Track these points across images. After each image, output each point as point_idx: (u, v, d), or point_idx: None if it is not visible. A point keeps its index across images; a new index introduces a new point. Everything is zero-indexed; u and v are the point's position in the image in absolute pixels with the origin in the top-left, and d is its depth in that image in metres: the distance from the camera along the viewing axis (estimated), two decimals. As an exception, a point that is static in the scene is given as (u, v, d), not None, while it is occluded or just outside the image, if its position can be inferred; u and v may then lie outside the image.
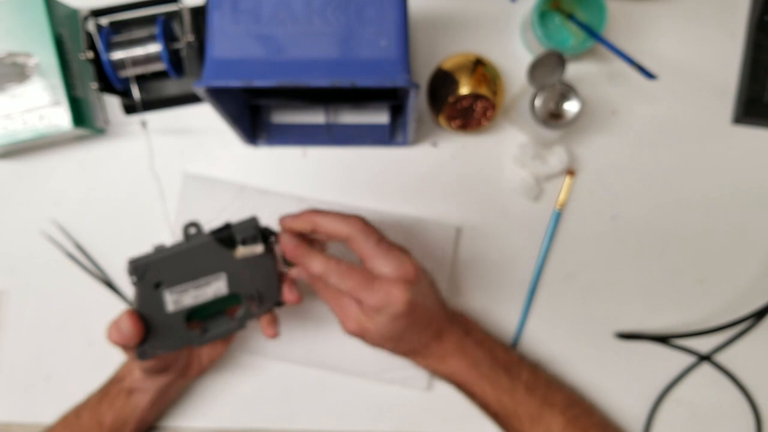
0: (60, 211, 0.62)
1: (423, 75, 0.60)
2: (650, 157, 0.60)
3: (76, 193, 0.62)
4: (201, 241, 0.48)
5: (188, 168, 0.62)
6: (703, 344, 0.60)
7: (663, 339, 0.60)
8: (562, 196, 0.60)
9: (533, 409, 0.51)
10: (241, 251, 0.48)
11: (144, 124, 0.60)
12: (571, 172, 0.60)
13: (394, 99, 0.58)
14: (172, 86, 0.61)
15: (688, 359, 0.60)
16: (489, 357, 0.52)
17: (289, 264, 0.50)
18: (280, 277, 0.51)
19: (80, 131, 0.58)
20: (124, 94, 0.60)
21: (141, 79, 0.60)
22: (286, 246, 0.48)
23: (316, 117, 0.62)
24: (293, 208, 0.50)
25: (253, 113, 0.61)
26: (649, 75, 0.53)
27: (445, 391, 0.57)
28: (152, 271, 0.47)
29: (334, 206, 0.59)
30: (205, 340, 0.50)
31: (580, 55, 0.60)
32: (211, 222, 0.50)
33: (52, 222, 0.62)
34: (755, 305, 0.59)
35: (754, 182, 0.60)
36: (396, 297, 0.46)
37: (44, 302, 0.62)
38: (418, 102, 0.52)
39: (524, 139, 0.61)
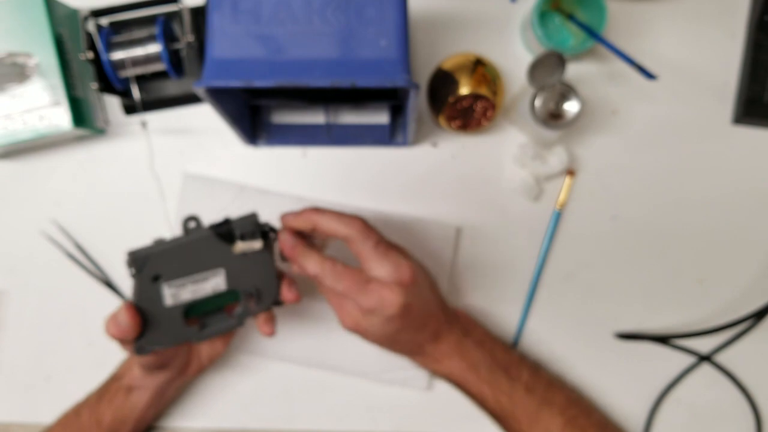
0: (60, 211, 0.62)
1: (423, 75, 0.60)
2: (650, 157, 0.60)
3: (76, 193, 0.62)
4: (200, 235, 0.48)
5: (188, 168, 0.62)
6: (703, 344, 0.60)
7: (663, 339, 0.60)
8: (562, 196, 0.60)
9: (532, 410, 0.51)
10: (240, 246, 0.48)
11: (144, 124, 0.60)
12: (571, 172, 0.60)
13: (394, 99, 0.58)
14: (172, 86, 0.61)
15: (688, 359, 0.60)
16: (488, 358, 0.52)
17: (286, 260, 0.50)
18: (279, 276, 0.51)
19: (80, 131, 0.58)
20: (124, 94, 0.60)
21: (141, 79, 0.60)
22: (284, 244, 0.49)
23: (316, 117, 0.62)
24: (293, 208, 0.50)
25: (253, 113, 0.61)
26: (649, 75, 0.53)
27: (445, 392, 0.57)
28: (151, 264, 0.47)
29: (334, 206, 0.59)
30: (203, 337, 0.50)
31: (580, 55, 0.60)
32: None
33: (52, 222, 0.62)
34: (755, 305, 0.59)
35: (754, 182, 0.60)
36: (389, 300, 0.46)
37: (44, 302, 0.62)
38: (418, 102, 0.52)
39: (524, 139, 0.61)
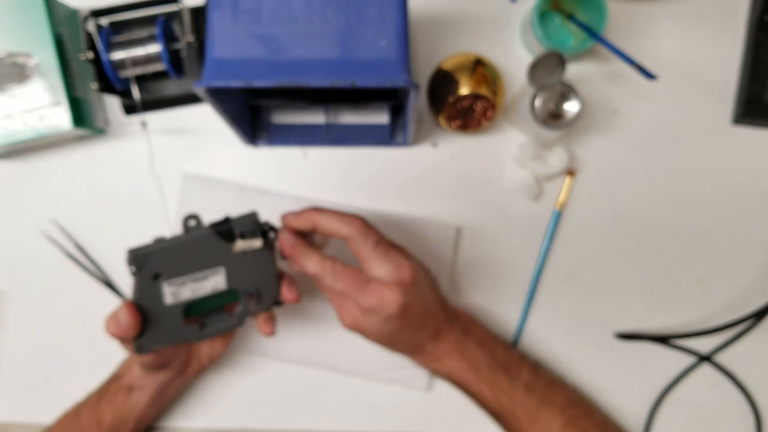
0: (60, 211, 0.62)
1: (423, 75, 0.60)
2: (650, 157, 0.60)
3: (76, 193, 0.62)
4: (200, 234, 0.48)
5: (188, 168, 0.62)
6: (703, 344, 0.60)
7: (663, 339, 0.60)
8: (562, 196, 0.60)
9: (531, 409, 0.51)
10: (240, 245, 0.48)
11: (144, 124, 0.60)
12: (571, 172, 0.60)
13: (394, 99, 0.58)
14: (172, 86, 0.61)
15: (688, 359, 0.60)
16: (488, 357, 0.52)
17: (286, 259, 0.51)
18: (280, 276, 0.51)
19: (80, 131, 0.58)
20: (124, 94, 0.60)
21: (141, 80, 0.60)
22: (284, 244, 0.49)
23: (316, 117, 0.62)
24: (293, 208, 0.50)
25: (253, 113, 0.61)
26: (649, 75, 0.53)
27: (445, 392, 0.57)
28: (151, 262, 0.47)
29: (334, 206, 0.59)
30: (203, 336, 0.50)
31: (580, 55, 0.60)
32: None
33: (52, 222, 0.62)
34: (755, 305, 0.59)
35: (754, 182, 0.60)
36: (389, 300, 0.46)
37: (44, 302, 0.62)
38: (418, 102, 0.52)
39: (524, 139, 0.61)
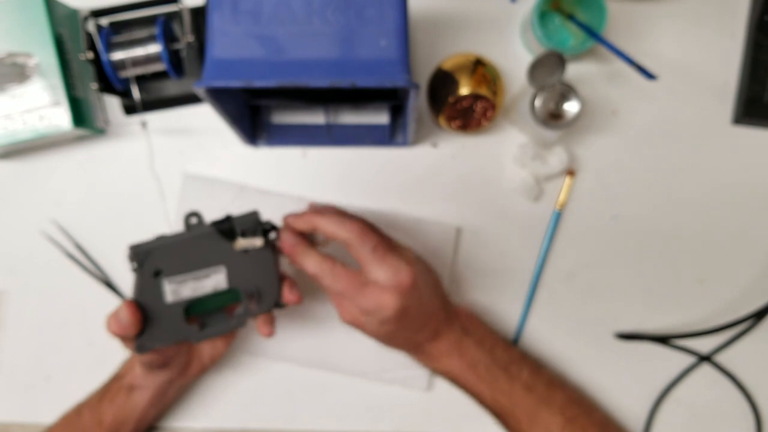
0: (60, 211, 0.62)
1: (423, 75, 0.60)
2: (650, 157, 0.60)
3: (76, 193, 0.62)
4: (202, 231, 0.48)
5: (188, 168, 0.62)
6: (703, 344, 0.60)
7: (663, 339, 0.60)
8: (562, 197, 0.60)
9: (530, 409, 0.51)
10: (241, 243, 0.48)
11: (144, 124, 0.60)
12: (571, 172, 0.60)
13: (394, 99, 0.58)
14: (172, 86, 0.61)
15: (688, 359, 0.60)
16: (488, 357, 0.52)
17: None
18: (281, 278, 0.51)
19: (80, 131, 0.58)
20: (124, 94, 0.60)
21: (141, 80, 0.60)
22: (285, 243, 0.49)
23: (316, 117, 0.62)
24: (293, 208, 0.50)
25: (253, 113, 0.61)
26: (649, 75, 0.53)
27: (445, 392, 0.57)
28: (152, 259, 0.48)
29: (335, 205, 0.59)
30: (203, 336, 0.50)
31: (580, 55, 0.60)
32: (211, 222, 0.51)
33: (52, 222, 0.62)
34: (755, 305, 0.59)
35: (754, 182, 0.60)
36: (386, 305, 0.46)
37: (44, 302, 0.62)
38: (418, 102, 0.52)
39: (524, 139, 0.61)
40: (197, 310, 0.50)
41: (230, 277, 0.49)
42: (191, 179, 0.61)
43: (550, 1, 0.57)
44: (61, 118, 0.56)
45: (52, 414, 0.56)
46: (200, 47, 0.59)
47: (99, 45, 0.56)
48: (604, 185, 0.61)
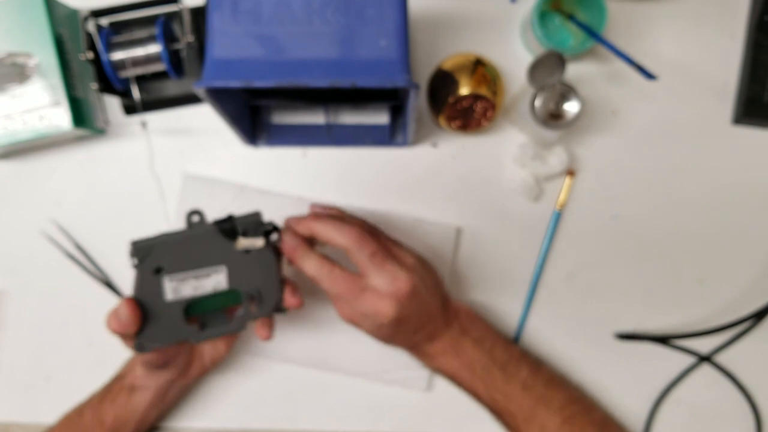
0: (60, 211, 0.62)
1: (423, 75, 0.60)
2: (650, 157, 0.60)
3: (76, 193, 0.62)
4: (203, 230, 0.48)
5: (188, 168, 0.62)
6: (703, 345, 0.60)
7: (663, 339, 0.60)
8: (562, 197, 0.60)
9: (528, 407, 0.51)
10: (242, 243, 0.48)
11: (144, 124, 0.60)
12: (571, 172, 0.60)
13: (394, 99, 0.58)
14: (172, 86, 0.61)
15: (688, 360, 0.60)
16: (485, 356, 0.52)
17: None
18: (283, 281, 0.51)
19: (80, 131, 0.58)
20: (124, 94, 0.60)
21: (141, 80, 0.60)
22: (286, 245, 0.49)
23: (316, 117, 0.62)
24: (293, 208, 0.51)
25: (253, 113, 0.61)
26: (649, 75, 0.53)
27: (445, 392, 0.57)
28: (153, 255, 0.48)
29: (335, 205, 0.59)
30: (203, 337, 0.50)
31: (580, 55, 0.60)
32: (211, 222, 0.51)
33: (52, 222, 0.62)
34: (755, 305, 0.59)
35: (754, 182, 0.60)
36: (383, 311, 0.47)
37: (44, 302, 0.62)
38: (418, 102, 0.52)
39: (524, 139, 0.61)
40: (197, 311, 0.50)
41: (231, 277, 0.49)
42: (191, 179, 0.61)
43: (550, 1, 0.57)
44: (61, 118, 0.56)
45: (52, 414, 0.56)
46: (200, 47, 0.59)
47: (99, 45, 0.56)
48: (604, 185, 0.61)
